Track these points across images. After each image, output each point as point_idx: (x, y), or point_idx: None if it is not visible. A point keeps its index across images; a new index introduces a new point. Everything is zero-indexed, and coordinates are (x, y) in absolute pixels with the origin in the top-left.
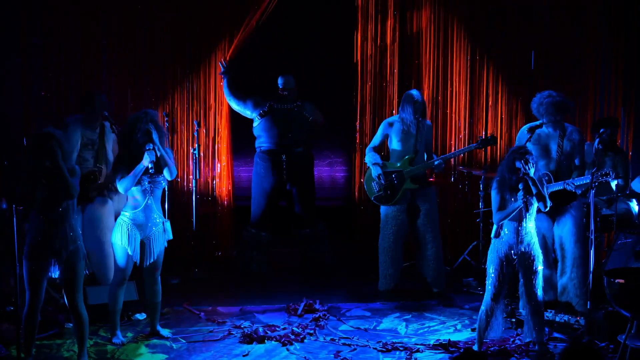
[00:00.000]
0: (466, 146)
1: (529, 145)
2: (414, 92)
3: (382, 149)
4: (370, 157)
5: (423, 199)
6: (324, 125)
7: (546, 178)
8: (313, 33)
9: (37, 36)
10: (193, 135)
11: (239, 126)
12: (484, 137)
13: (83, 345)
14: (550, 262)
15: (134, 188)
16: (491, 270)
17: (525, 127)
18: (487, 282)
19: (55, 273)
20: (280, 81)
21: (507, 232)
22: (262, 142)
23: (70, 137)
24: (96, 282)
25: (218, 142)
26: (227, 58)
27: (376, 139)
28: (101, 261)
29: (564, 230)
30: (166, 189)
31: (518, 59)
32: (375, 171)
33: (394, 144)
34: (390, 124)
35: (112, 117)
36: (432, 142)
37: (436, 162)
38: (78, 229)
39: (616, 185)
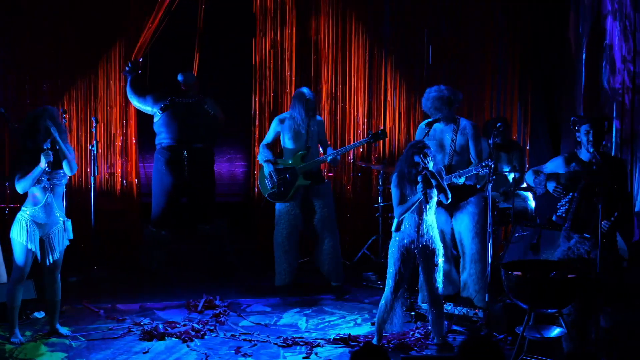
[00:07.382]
0: (357, 141)
1: (426, 141)
2: (305, 89)
3: (275, 146)
4: (262, 155)
5: (317, 195)
6: (224, 121)
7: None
8: (215, 33)
9: None
10: (91, 132)
11: (149, 122)
12: (374, 132)
13: None
14: (449, 256)
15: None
16: (392, 263)
17: (424, 123)
18: (387, 275)
19: None
20: (180, 78)
21: (407, 226)
22: (162, 138)
23: None
24: None
25: (119, 138)
26: (132, 58)
27: (268, 136)
28: None
29: (462, 226)
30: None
31: (416, 55)
32: (267, 168)
33: (286, 142)
34: (282, 121)
35: (9, 113)
36: (326, 137)
37: (329, 159)
38: None
39: (513, 179)
